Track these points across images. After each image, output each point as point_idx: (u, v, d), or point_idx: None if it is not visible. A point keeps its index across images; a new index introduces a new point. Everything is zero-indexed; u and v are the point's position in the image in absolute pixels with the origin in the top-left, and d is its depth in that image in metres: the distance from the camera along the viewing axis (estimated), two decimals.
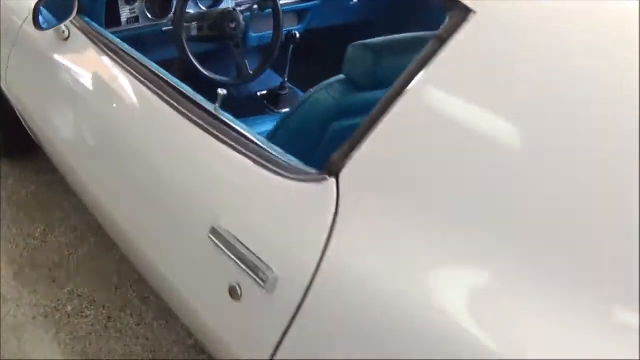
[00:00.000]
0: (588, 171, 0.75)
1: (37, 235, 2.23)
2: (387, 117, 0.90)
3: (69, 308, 1.96)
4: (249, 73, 2.06)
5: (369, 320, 0.90)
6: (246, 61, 2.05)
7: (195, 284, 1.23)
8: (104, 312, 1.96)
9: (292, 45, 2.10)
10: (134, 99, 1.48)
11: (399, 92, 0.90)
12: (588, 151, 0.75)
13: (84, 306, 1.97)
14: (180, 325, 1.91)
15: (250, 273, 1.02)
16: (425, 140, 0.88)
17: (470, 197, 0.83)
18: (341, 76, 1.35)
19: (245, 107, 2.07)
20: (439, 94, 0.88)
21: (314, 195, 0.98)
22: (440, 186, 0.87)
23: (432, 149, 0.88)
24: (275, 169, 1.05)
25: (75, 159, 1.69)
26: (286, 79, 2.18)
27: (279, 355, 1.02)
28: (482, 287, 0.83)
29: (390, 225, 0.89)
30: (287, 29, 2.18)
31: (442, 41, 0.86)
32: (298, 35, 2.11)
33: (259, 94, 2.24)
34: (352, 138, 0.95)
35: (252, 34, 2.21)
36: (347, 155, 0.94)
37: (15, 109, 2.08)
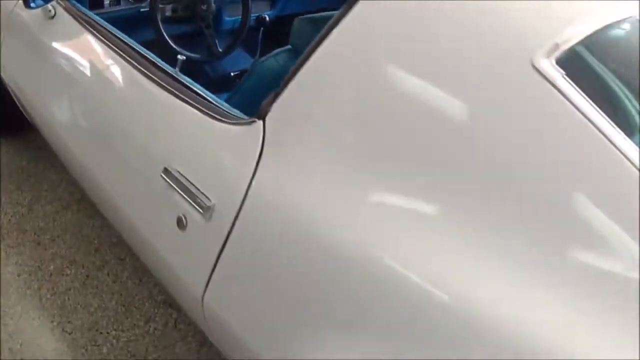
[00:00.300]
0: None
1: (24, 203, 2.39)
2: (303, 69, 1.07)
3: (51, 267, 2.12)
4: (219, 51, 2.24)
5: (288, 242, 1.06)
6: (216, 40, 2.22)
7: (149, 218, 1.40)
8: (83, 271, 2.12)
9: (262, 28, 2.27)
10: (113, 70, 1.64)
11: (315, 47, 1.06)
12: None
13: (64, 266, 2.13)
14: (152, 283, 2.07)
15: (193, 204, 1.19)
16: (334, 88, 1.05)
17: (379, 132, 0.99)
18: (288, 46, 1.52)
19: (220, 85, 2.24)
20: (348, 48, 1.05)
21: (245, 135, 1.14)
22: (349, 126, 1.03)
23: (341, 93, 1.04)
24: (218, 117, 1.21)
25: (63, 130, 1.85)
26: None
27: (214, 276, 1.18)
28: (394, 215, 0.97)
29: (307, 159, 1.06)
30: (259, 13, 2.36)
31: (352, 3, 1.03)
32: (267, 19, 2.28)
33: (232, 74, 2.42)
34: (279, 88, 1.11)
35: (227, 18, 2.38)
36: (272, 101, 1.11)
37: (9, 89, 2.24)
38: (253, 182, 1.09)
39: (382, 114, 0.98)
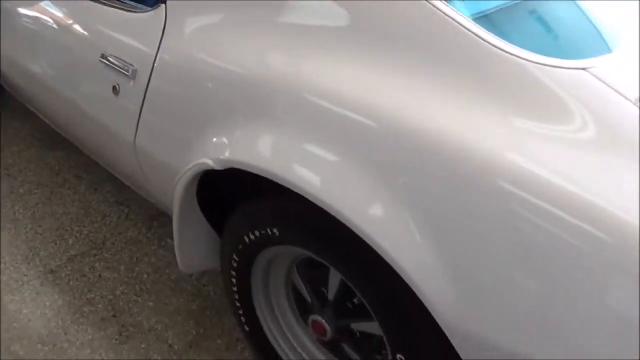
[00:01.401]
0: None
1: None
2: None
3: (21, 190, 2.56)
4: None
5: (188, 83, 1.53)
6: None
7: (91, 94, 1.83)
8: (47, 189, 2.56)
9: None
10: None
11: None
12: None
13: (32, 188, 2.56)
14: (106, 190, 2.52)
15: (123, 71, 1.66)
16: None
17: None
18: None
19: None
20: None
21: (153, 16, 1.61)
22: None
23: None
24: (133, 10, 1.69)
25: (24, 60, 2.20)
26: None
27: (140, 121, 1.65)
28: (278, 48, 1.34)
29: (201, 24, 1.53)
30: None
31: None
32: None
33: None
34: None
35: None
36: None
37: None
38: (160, 45, 1.57)
39: None
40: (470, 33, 1.09)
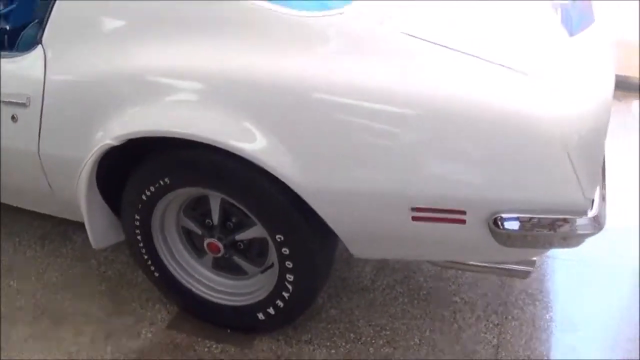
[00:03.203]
0: None
1: None
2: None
3: None
4: None
5: (79, 92, 1.94)
6: None
7: None
8: None
9: None
10: None
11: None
12: None
13: None
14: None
15: (19, 102, 2.09)
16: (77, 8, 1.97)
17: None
18: None
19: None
20: None
21: (34, 54, 2.04)
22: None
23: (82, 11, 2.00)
24: (15, 56, 2.17)
25: None
26: None
27: (41, 132, 2.05)
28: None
29: (70, 49, 2.02)
30: None
31: None
32: None
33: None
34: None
35: None
36: (42, 27, 2.08)
37: None
38: (46, 71, 1.97)
39: None
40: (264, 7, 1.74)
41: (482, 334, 2.21)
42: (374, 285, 2.42)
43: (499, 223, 1.67)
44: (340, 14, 1.71)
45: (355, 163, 1.69)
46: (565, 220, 1.68)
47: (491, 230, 1.69)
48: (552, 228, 1.69)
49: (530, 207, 1.66)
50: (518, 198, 1.66)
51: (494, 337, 2.20)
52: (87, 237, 2.16)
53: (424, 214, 1.72)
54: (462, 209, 1.69)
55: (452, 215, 1.71)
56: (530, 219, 1.67)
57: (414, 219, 1.73)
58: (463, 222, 1.71)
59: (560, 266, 2.55)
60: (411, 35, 1.67)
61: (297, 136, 1.72)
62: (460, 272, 2.42)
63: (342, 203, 1.76)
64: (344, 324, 2.25)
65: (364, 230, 1.83)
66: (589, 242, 2.50)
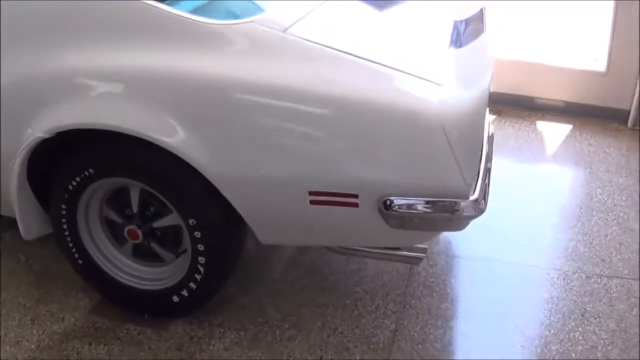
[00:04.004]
0: None
1: None
2: None
3: None
4: None
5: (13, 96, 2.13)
6: None
7: None
8: None
9: None
10: None
11: None
12: None
13: None
14: None
15: None
16: None
17: None
18: None
19: None
20: None
21: None
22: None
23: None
24: None
25: None
26: None
27: None
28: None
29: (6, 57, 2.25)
30: None
31: None
32: None
33: None
34: None
35: None
36: None
37: None
38: None
39: None
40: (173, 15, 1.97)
41: (381, 320, 2.42)
42: (283, 277, 2.63)
43: (389, 206, 1.91)
44: (251, 22, 1.96)
45: (258, 151, 1.93)
46: (448, 203, 1.93)
47: (381, 213, 1.93)
48: (437, 210, 1.94)
49: (417, 191, 1.91)
50: (406, 182, 1.91)
51: (392, 322, 2.41)
52: (14, 234, 2.34)
53: (321, 197, 1.95)
54: (354, 192, 1.93)
55: (345, 199, 1.95)
56: (417, 202, 1.92)
57: (312, 202, 1.96)
58: (356, 205, 1.95)
59: (458, 263, 2.80)
60: (308, 40, 1.95)
61: (210, 128, 1.95)
62: (363, 265, 2.65)
63: (247, 189, 2.00)
64: (253, 310, 2.45)
65: (268, 215, 2.06)
66: (484, 241, 2.83)
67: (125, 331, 2.35)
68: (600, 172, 3.50)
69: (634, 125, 3.94)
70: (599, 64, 3.99)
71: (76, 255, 2.36)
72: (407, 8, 2.52)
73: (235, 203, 2.01)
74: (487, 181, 2.18)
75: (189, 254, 2.19)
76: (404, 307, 2.48)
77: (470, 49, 2.34)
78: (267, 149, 1.93)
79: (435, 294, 2.56)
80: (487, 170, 2.25)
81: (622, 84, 3.87)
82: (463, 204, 1.93)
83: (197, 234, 2.10)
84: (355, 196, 1.93)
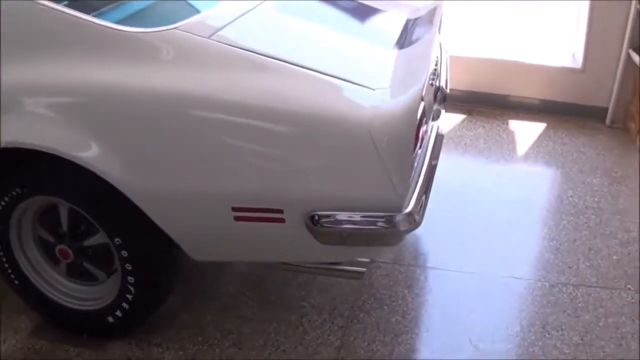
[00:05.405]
0: None
1: None
2: None
3: None
4: None
5: None
6: None
7: None
8: None
9: None
10: None
11: None
12: None
13: None
14: None
15: None
16: None
17: None
18: None
19: None
20: None
21: None
22: None
23: None
24: None
25: None
26: None
27: None
28: None
29: None
30: None
31: None
32: None
33: None
34: None
35: None
36: None
37: None
38: None
39: None
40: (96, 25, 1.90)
41: (326, 336, 2.34)
42: (227, 292, 2.56)
43: (317, 221, 1.82)
44: (174, 29, 1.88)
45: (180, 166, 1.86)
46: (379, 217, 1.83)
47: (309, 228, 1.84)
48: (367, 225, 1.84)
49: (346, 205, 1.82)
50: (333, 195, 1.81)
51: (337, 339, 2.33)
52: None
53: (245, 213, 1.88)
54: (279, 207, 1.85)
55: (271, 215, 1.87)
56: (345, 216, 1.82)
57: (236, 218, 1.88)
58: (282, 220, 1.86)
59: (413, 273, 2.70)
60: (232, 46, 1.87)
61: (124, 142, 1.88)
62: (311, 278, 2.57)
63: (168, 205, 1.93)
64: (193, 328, 2.38)
65: (193, 231, 2.00)
66: (441, 249, 2.74)
67: (64, 352, 2.30)
68: (573, 172, 3.40)
69: (612, 123, 3.81)
70: (575, 60, 3.86)
71: (12, 276, 2.32)
72: (364, 7, 2.42)
73: (156, 219, 1.95)
74: (426, 191, 2.07)
75: (119, 273, 2.11)
76: (351, 321, 2.40)
77: (413, 50, 2.24)
78: (185, 162, 1.86)
79: (385, 307, 2.48)
80: (431, 175, 2.14)
81: (599, 80, 3.76)
82: (397, 217, 1.83)
83: (124, 253, 2.05)
84: (280, 211, 1.86)
